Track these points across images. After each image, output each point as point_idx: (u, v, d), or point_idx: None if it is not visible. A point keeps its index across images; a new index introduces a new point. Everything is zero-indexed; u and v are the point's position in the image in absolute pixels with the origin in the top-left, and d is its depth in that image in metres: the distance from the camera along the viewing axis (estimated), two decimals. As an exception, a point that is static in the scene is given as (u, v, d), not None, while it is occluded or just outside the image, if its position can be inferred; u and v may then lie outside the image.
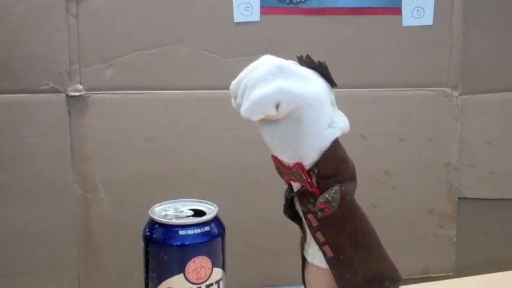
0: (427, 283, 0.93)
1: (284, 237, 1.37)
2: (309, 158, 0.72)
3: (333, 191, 0.73)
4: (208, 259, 0.64)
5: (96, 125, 1.29)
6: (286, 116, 0.68)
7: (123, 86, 1.29)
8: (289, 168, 0.73)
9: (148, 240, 0.65)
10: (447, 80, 1.42)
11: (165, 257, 0.63)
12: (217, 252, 0.65)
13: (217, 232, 0.66)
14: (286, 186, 0.81)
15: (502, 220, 1.51)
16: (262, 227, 1.38)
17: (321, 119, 0.71)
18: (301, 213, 0.78)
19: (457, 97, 1.43)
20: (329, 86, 0.72)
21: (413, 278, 1.42)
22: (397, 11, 1.38)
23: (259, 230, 1.38)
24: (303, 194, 0.75)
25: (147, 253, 0.65)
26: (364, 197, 0.78)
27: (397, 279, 0.83)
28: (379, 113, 1.40)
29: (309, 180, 0.73)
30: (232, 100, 0.71)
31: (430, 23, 1.39)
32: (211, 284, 0.64)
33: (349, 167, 0.76)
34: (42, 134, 1.27)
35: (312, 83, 0.70)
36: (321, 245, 0.76)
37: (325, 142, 0.72)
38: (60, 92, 1.27)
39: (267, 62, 0.68)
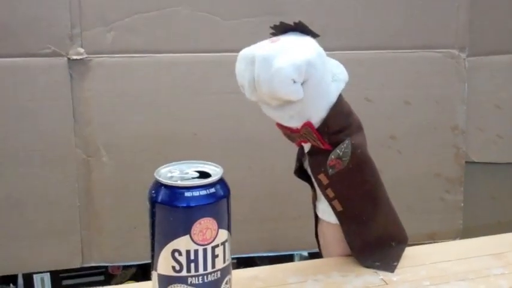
0: (433, 244, 0.93)
1: (288, 202, 1.37)
2: (318, 116, 0.73)
3: (344, 145, 0.74)
4: (214, 220, 0.63)
5: (97, 88, 1.28)
6: None
7: (124, 49, 1.28)
8: (297, 131, 0.74)
9: (154, 202, 0.64)
10: (454, 41, 1.40)
11: (171, 219, 0.63)
12: (222, 213, 0.65)
13: (222, 193, 0.65)
14: (291, 149, 0.81)
15: (510, 184, 1.50)
16: (265, 192, 1.38)
17: (325, 75, 0.72)
18: (310, 174, 0.79)
19: (464, 59, 1.41)
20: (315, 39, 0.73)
21: (420, 244, 1.42)
22: (403, -29, 1.36)
23: (262, 194, 1.38)
24: (314, 154, 0.76)
25: (153, 215, 0.65)
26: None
27: (403, 240, 0.84)
28: (385, 75, 1.39)
29: (319, 138, 0.73)
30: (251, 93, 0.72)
31: (437, -17, 1.37)
32: (217, 245, 0.64)
33: (356, 118, 0.77)
34: (44, 98, 1.26)
35: (305, 45, 0.71)
36: (330, 200, 0.78)
37: (332, 97, 0.74)
38: (62, 55, 1.25)
39: (256, 62, 0.68)
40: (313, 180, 0.79)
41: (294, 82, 0.68)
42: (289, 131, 0.75)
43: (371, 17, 1.36)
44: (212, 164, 0.69)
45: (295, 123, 0.73)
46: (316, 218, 0.85)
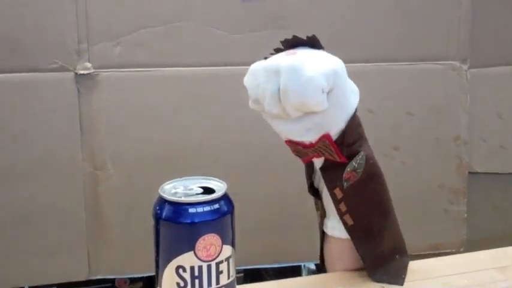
0: (436, 258, 0.92)
1: (293, 213, 1.38)
2: (337, 128, 0.71)
3: (359, 157, 0.73)
4: (218, 236, 0.64)
5: (104, 102, 1.29)
6: None
7: (131, 64, 1.29)
8: (312, 145, 0.72)
9: (158, 218, 0.64)
10: (456, 54, 1.41)
11: (175, 235, 0.63)
12: (226, 229, 0.65)
13: (226, 209, 0.65)
14: (295, 160, 0.80)
15: (513, 195, 1.51)
16: (270, 203, 1.38)
17: (346, 86, 0.71)
18: (322, 189, 0.78)
19: (466, 70, 1.42)
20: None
21: (424, 254, 1.42)
22: (405, -16, 1.37)
23: (267, 206, 1.38)
24: (329, 169, 0.75)
25: (157, 231, 0.65)
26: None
27: (405, 252, 0.83)
28: (387, 87, 1.40)
29: (337, 150, 0.72)
30: (255, 104, 0.71)
31: (439, -4, 1.39)
32: (221, 261, 0.64)
33: (363, 128, 0.75)
34: (51, 112, 1.27)
35: (325, 56, 0.70)
36: (342, 215, 0.76)
37: (351, 108, 0.72)
38: (70, 70, 1.27)
39: (283, 73, 0.67)
40: (322, 196, 0.78)
41: (322, 92, 0.67)
42: (302, 146, 0.73)
43: (374, 30, 1.37)
44: (216, 179, 0.69)
45: (312, 137, 0.71)
46: (322, 237, 0.83)
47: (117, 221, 1.33)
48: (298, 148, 0.74)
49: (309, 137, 0.71)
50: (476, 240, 1.45)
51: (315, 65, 0.67)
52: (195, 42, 1.31)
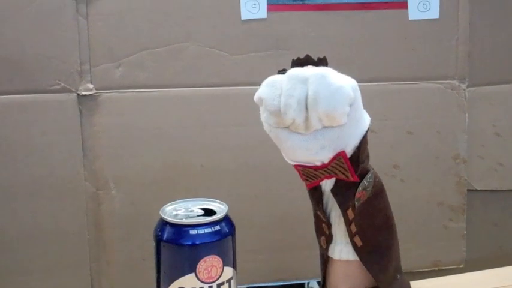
0: (438, 278, 0.93)
1: (294, 232, 1.38)
2: (352, 144, 0.70)
3: (369, 175, 0.72)
4: (219, 258, 0.64)
5: (106, 123, 1.30)
6: None
7: (132, 85, 1.30)
8: (324, 165, 0.70)
9: (159, 240, 0.65)
10: (454, 73, 1.42)
11: (177, 257, 0.64)
12: (228, 251, 0.66)
13: (227, 231, 0.66)
14: (296, 178, 0.76)
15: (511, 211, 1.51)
16: (271, 222, 1.38)
17: (360, 101, 0.70)
18: (329, 212, 0.77)
19: (464, 89, 1.43)
20: None
21: (424, 271, 1.43)
22: (403, 5, 1.38)
23: (268, 225, 1.38)
24: (340, 189, 0.73)
25: (158, 253, 0.66)
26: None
27: (402, 272, 0.83)
28: (387, 106, 1.40)
29: (351, 169, 0.70)
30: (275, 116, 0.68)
31: (437, 16, 1.39)
32: (223, 283, 0.64)
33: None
34: (53, 133, 1.28)
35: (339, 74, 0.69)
36: (352, 236, 0.75)
37: (365, 126, 0.72)
38: (71, 91, 1.28)
39: (313, 80, 0.65)
40: (330, 220, 0.77)
41: (348, 103, 0.66)
42: (313, 168, 0.71)
43: (373, 51, 1.38)
44: (217, 201, 0.70)
45: (325, 155, 0.69)
46: (325, 262, 0.80)
47: (120, 241, 1.33)
48: (308, 171, 0.72)
49: (322, 155, 0.69)
50: (476, 257, 1.45)
51: (340, 77, 0.66)
52: (196, 63, 1.32)
